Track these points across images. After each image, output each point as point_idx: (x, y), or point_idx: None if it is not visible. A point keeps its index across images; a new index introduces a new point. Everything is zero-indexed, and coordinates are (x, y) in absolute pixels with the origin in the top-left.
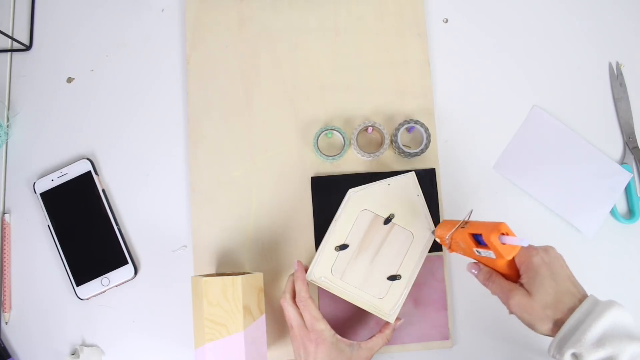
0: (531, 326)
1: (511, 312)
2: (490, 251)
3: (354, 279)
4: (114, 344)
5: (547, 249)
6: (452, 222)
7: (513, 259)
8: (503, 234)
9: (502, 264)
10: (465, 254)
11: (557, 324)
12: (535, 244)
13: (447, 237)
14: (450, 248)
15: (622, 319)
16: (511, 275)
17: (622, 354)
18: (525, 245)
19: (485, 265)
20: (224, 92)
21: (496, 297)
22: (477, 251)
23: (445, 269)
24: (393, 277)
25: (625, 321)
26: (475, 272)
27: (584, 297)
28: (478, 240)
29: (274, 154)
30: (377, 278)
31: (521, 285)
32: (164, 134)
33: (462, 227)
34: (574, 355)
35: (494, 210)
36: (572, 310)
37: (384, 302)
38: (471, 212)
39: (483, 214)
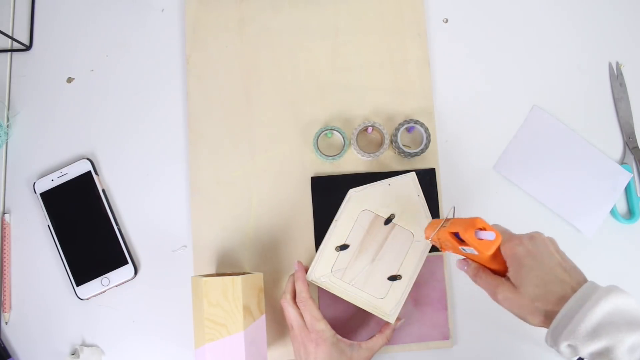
0: (523, 319)
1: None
2: (472, 248)
3: (354, 279)
4: (114, 344)
5: (532, 237)
6: (437, 222)
7: (499, 251)
8: (480, 228)
9: (487, 258)
10: (454, 251)
11: (549, 316)
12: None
13: (430, 239)
14: (442, 248)
15: (623, 306)
16: (500, 269)
17: (621, 344)
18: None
19: (473, 260)
20: (224, 92)
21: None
22: (462, 248)
23: (445, 269)
24: (393, 277)
25: (627, 307)
26: (465, 268)
27: (579, 284)
28: (459, 237)
29: (274, 154)
30: (377, 278)
31: (508, 278)
32: (164, 134)
33: (443, 227)
34: (570, 346)
35: (494, 210)
36: (563, 299)
37: (385, 302)
38: (453, 208)
39: (483, 214)
